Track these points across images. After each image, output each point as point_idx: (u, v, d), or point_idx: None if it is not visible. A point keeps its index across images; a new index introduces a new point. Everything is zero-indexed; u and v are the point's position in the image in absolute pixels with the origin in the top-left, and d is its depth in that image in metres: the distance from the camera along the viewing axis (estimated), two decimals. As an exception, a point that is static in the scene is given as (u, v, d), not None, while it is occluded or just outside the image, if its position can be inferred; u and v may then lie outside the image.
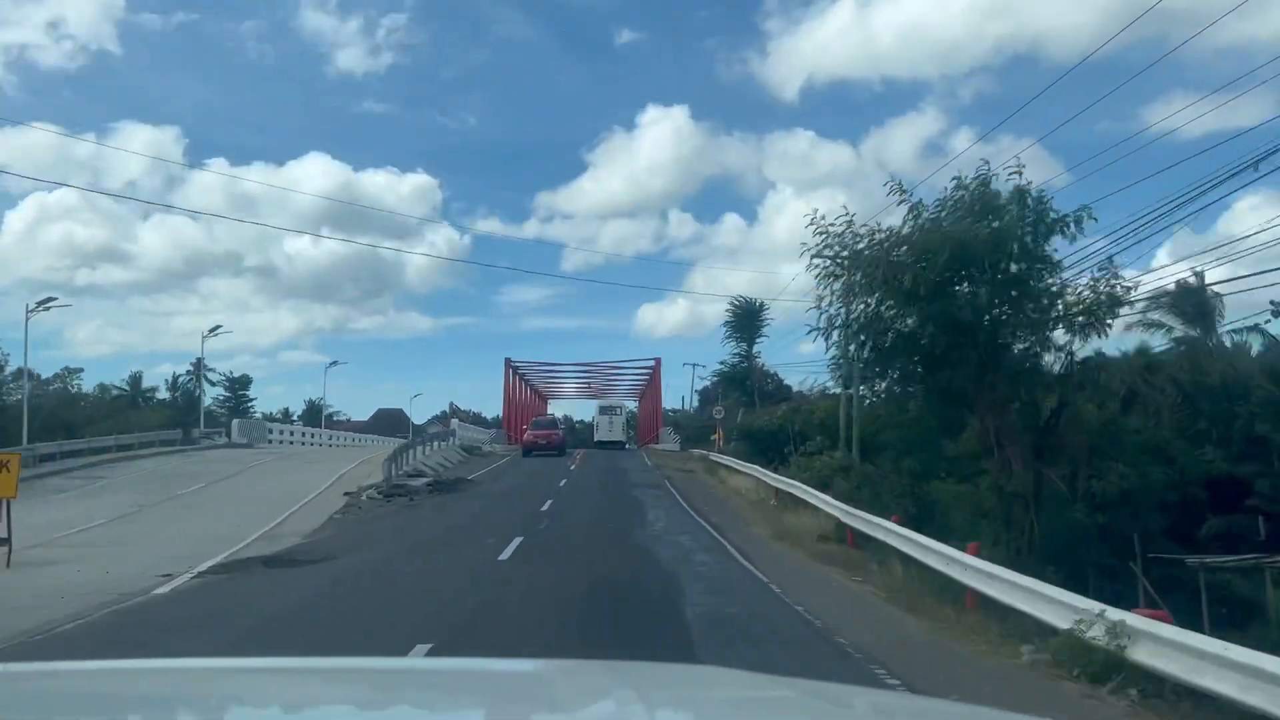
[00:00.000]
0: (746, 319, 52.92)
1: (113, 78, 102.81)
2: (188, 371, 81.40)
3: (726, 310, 52.51)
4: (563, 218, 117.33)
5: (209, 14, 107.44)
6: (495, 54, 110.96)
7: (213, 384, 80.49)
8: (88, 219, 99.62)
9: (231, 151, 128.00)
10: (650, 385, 66.66)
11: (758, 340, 53.93)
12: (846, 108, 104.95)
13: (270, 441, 46.83)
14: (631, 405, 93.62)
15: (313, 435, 50.34)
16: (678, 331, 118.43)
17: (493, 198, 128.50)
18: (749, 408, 45.89)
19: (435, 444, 41.42)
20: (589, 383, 77.69)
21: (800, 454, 31.03)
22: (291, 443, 47.48)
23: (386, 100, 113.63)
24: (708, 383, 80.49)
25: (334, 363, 77.18)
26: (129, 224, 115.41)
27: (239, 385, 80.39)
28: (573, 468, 37.53)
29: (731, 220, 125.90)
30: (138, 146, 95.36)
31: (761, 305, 51.98)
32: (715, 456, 38.57)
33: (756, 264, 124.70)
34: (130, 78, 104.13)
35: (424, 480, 28.54)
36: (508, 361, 60.54)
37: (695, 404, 75.39)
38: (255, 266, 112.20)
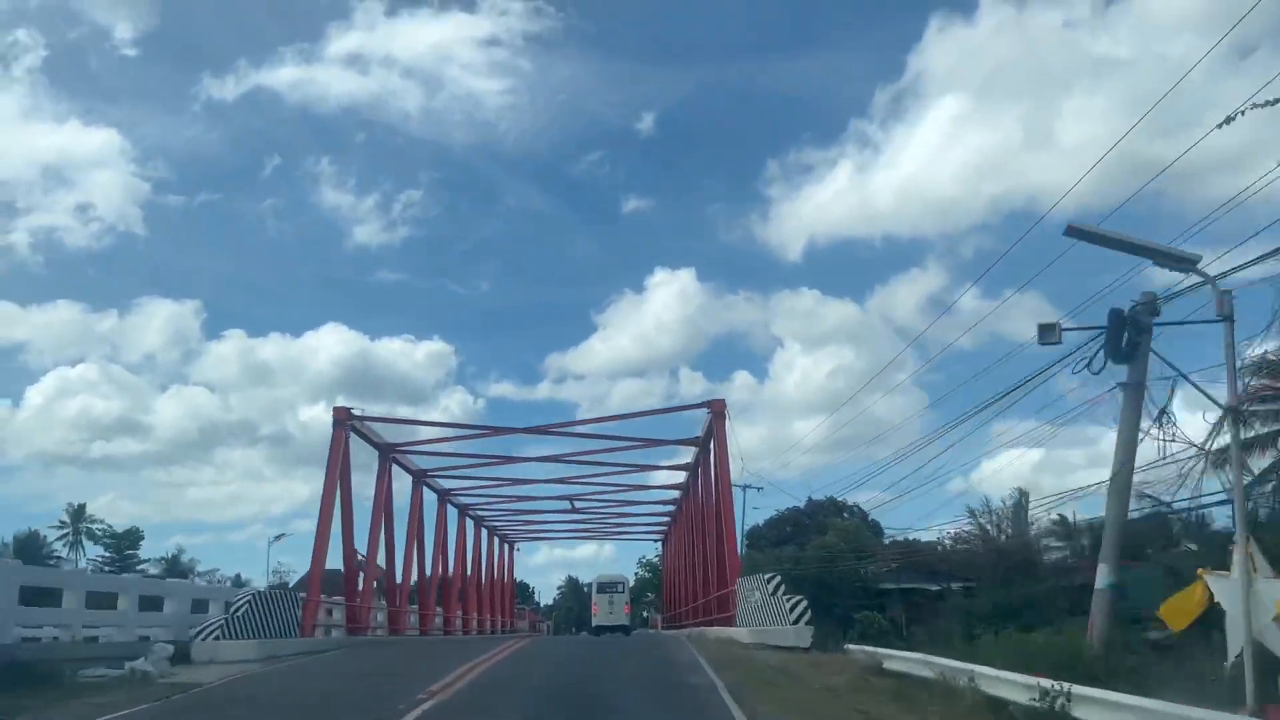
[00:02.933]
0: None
1: (136, 256, 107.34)
2: (60, 524, 70.07)
3: None
4: (574, 378, 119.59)
5: (230, 193, 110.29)
6: (507, 224, 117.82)
7: (95, 538, 69.90)
8: (106, 392, 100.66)
9: (250, 323, 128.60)
10: (697, 482, 30.03)
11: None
12: (849, 266, 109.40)
13: None
14: (652, 553, 66.91)
15: None
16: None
17: (506, 361, 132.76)
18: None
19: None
20: (571, 502, 41.96)
21: None
22: None
23: (402, 270, 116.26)
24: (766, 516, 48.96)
25: (280, 536, 71.74)
26: (146, 396, 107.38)
27: (125, 542, 69.70)
28: None
29: (742, 378, 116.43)
30: (159, 321, 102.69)
31: None
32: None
33: (769, 420, 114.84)
34: (153, 255, 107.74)
35: None
36: (344, 415, 24.11)
37: (741, 549, 39.59)
38: (269, 436, 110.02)
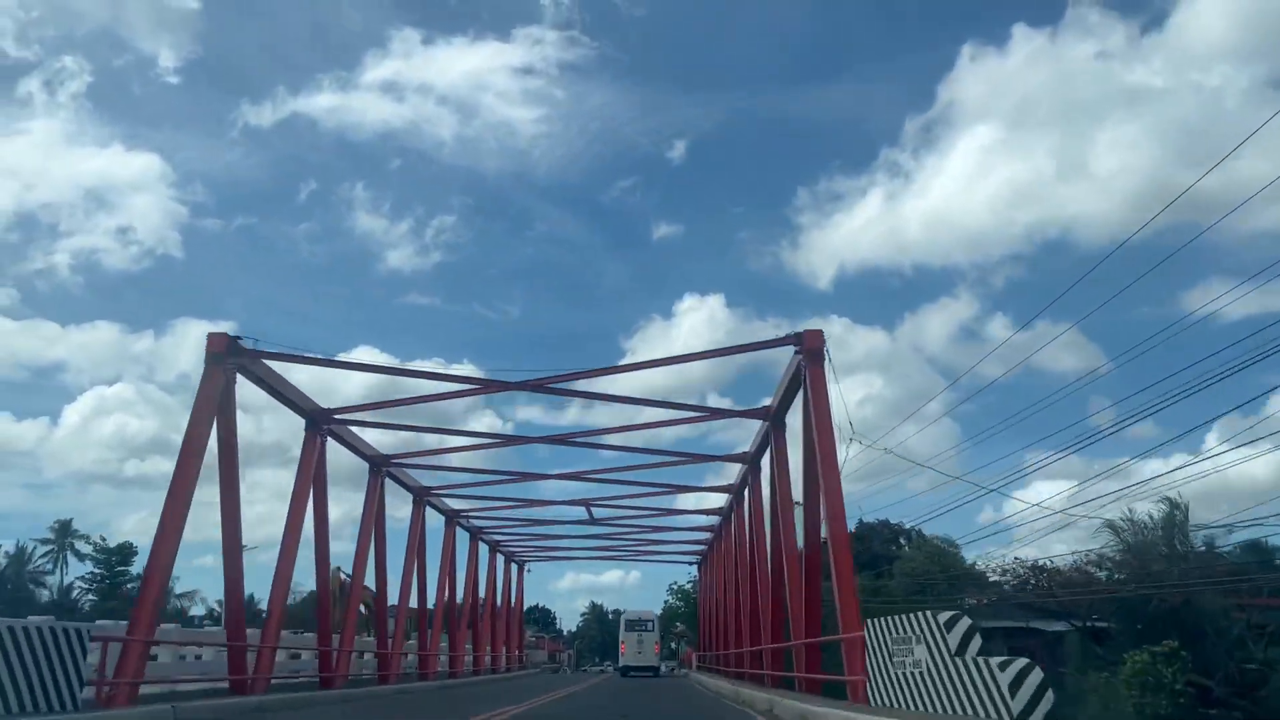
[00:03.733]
0: None
1: (173, 278, 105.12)
2: (46, 541, 66.41)
3: None
4: (601, 404, 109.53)
5: (266, 217, 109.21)
6: (538, 249, 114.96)
7: (79, 554, 66.35)
8: (141, 411, 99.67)
9: (283, 344, 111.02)
10: (759, 475, 21.24)
11: None
12: (879, 294, 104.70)
13: None
14: (685, 577, 64.11)
15: None
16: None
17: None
18: None
19: None
20: (589, 510, 33.28)
21: None
22: None
23: (433, 294, 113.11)
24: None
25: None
26: (180, 415, 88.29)
27: (116, 557, 65.91)
28: None
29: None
30: (194, 342, 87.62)
31: None
32: None
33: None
34: (190, 277, 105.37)
35: None
36: (223, 346, 15.00)
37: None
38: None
